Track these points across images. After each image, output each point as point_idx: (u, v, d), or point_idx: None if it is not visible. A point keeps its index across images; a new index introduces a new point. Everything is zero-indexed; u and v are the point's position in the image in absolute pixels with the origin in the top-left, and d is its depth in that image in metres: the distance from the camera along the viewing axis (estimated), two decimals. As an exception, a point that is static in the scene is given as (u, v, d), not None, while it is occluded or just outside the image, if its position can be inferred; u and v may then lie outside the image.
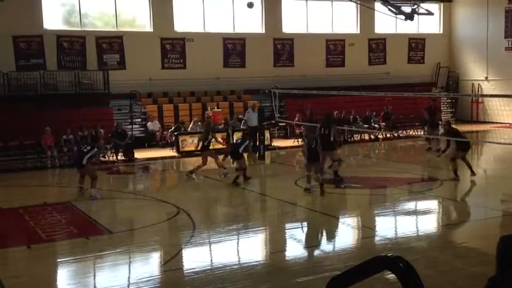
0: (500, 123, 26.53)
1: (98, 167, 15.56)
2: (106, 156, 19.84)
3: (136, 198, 13.82)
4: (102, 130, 19.92)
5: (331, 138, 14.01)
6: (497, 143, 19.81)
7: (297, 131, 23.42)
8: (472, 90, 29.37)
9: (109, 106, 22.53)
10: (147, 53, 24.18)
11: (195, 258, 9.01)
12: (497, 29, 28.06)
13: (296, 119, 22.71)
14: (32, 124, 19.23)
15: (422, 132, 23.26)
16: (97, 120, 20.30)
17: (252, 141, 16.85)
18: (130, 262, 9.02)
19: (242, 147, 14.81)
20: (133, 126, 22.32)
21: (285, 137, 24.11)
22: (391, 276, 3.41)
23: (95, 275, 8.48)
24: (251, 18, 26.46)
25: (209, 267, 8.49)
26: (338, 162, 14.32)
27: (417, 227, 11.05)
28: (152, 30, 24.54)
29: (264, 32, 26.69)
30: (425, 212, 12.32)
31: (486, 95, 28.03)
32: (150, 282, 7.75)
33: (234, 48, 26.09)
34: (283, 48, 27.16)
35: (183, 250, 9.33)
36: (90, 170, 13.67)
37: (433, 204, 12.88)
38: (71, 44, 23.04)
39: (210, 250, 9.68)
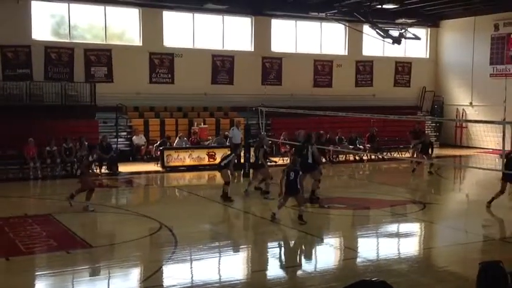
0: (484, 148, 26.81)
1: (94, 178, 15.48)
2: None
3: (118, 212, 13.70)
4: (86, 143, 19.82)
5: (310, 160, 13.97)
6: (480, 168, 19.99)
7: (283, 150, 23.47)
8: (457, 115, 29.69)
9: (95, 118, 22.43)
10: (135, 67, 24.17)
11: (176, 275, 8.94)
12: (483, 56, 28.48)
13: (282, 137, 22.75)
14: (17, 135, 19.05)
15: (410, 155, 23.44)
16: (82, 133, 20.19)
17: (235, 158, 16.73)
18: (109, 277, 8.92)
19: (226, 161, 14.81)
20: (119, 139, 22.21)
21: (271, 155, 24.09)
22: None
23: (73, 290, 8.36)
24: (241, 36, 26.62)
25: (189, 285, 8.42)
26: (317, 182, 14.28)
27: (399, 250, 11.08)
28: (141, 45, 24.57)
29: (253, 50, 26.84)
30: (407, 235, 12.36)
31: (470, 121, 28.37)
32: (129, 298, 7.67)
33: (222, 65, 26.18)
34: (272, 67, 27.31)
35: (164, 266, 9.25)
36: (85, 181, 13.45)
37: (415, 227, 12.93)
38: (59, 55, 22.97)
39: (191, 267, 9.60)
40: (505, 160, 13.59)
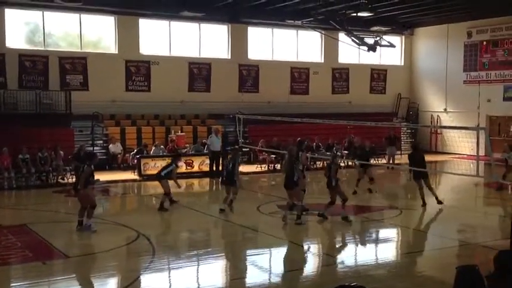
0: (458, 154, 27.21)
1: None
2: (65, 178, 19.48)
3: (95, 222, 13.52)
4: (62, 152, 19.61)
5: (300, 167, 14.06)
6: (455, 174, 20.26)
7: (260, 157, 23.50)
8: (431, 122, 30.09)
9: (70, 127, 22.19)
10: (111, 74, 24.00)
11: (154, 284, 8.87)
12: (457, 63, 28.95)
13: (260, 144, 22.79)
14: (-10, 143, 18.73)
15: (386, 161, 23.67)
16: (58, 141, 19.96)
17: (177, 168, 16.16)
18: (86, 288, 8.81)
19: (166, 171, 14.73)
20: (95, 148, 21.98)
21: (249, 162, 24.13)
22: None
23: (49, 301, 8.24)
24: (217, 43, 26.64)
25: (168, 294, 8.36)
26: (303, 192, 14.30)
27: (377, 256, 11.15)
28: (117, 52, 24.42)
29: (229, 57, 26.87)
30: (385, 241, 12.45)
31: (445, 127, 28.78)
32: (106, 308, 7.58)
33: (199, 72, 26.15)
34: (249, 74, 27.37)
35: (141, 276, 9.17)
36: (85, 196, 12.14)
37: (392, 233, 13.04)
38: (33, 64, 22.70)
39: (170, 276, 9.54)
40: None
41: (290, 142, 23.00)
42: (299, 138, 16.26)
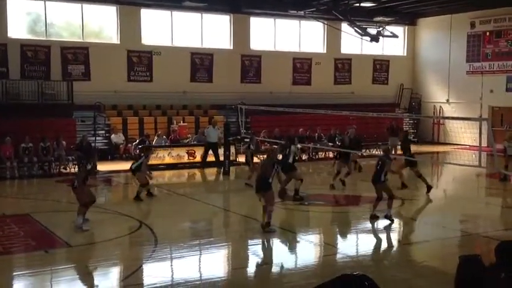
0: (460, 145, 27.17)
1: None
2: (67, 168, 19.52)
3: (97, 211, 13.56)
4: (64, 142, 19.63)
5: (290, 159, 14.06)
6: (457, 164, 20.25)
7: (263, 147, 23.48)
8: (434, 112, 30.03)
9: (72, 117, 22.20)
10: (113, 65, 23.96)
11: (156, 273, 8.90)
12: (460, 53, 28.84)
13: (262, 135, 22.77)
14: (-8, 133, 18.77)
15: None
16: (60, 131, 19.98)
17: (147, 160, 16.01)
18: (89, 277, 8.85)
19: (135, 165, 14.67)
20: (97, 138, 22.00)
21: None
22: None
23: (52, 290, 8.28)
24: (219, 34, 26.56)
25: (170, 283, 8.40)
26: (300, 181, 14.32)
27: (378, 245, 11.17)
28: (119, 43, 24.36)
29: (232, 48, 26.80)
30: (386, 231, 12.46)
31: (447, 117, 28.71)
32: (109, 297, 7.62)
33: (201, 63, 26.10)
34: (251, 64, 27.30)
35: (144, 265, 9.20)
36: (81, 193, 11.48)
37: (394, 223, 13.04)
38: (35, 54, 22.67)
39: (172, 265, 9.57)
40: None
41: (291, 132, 23.06)
42: (288, 136, 16.22)
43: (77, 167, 19.27)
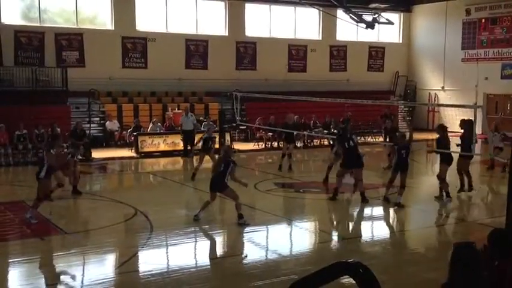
0: (455, 132, 27.17)
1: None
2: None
3: (92, 198, 13.58)
4: (59, 129, 19.55)
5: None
6: (451, 152, 20.26)
7: (258, 135, 23.49)
8: (429, 99, 30.07)
9: (67, 104, 22.11)
10: (108, 51, 23.84)
11: (152, 260, 8.92)
12: (455, 40, 28.83)
13: (257, 122, 22.78)
14: (-14, 120, 18.69)
15: (383, 139, 23.66)
16: (54, 118, 19.88)
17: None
18: (84, 264, 8.86)
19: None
20: (91, 125, 21.95)
21: (246, 140, 24.14)
22: (346, 280, 3.46)
23: (48, 277, 8.29)
24: (214, 20, 26.43)
25: (166, 270, 8.43)
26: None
27: (372, 232, 11.25)
28: (113, 29, 24.22)
29: (227, 34, 26.69)
30: (380, 218, 12.53)
31: (442, 105, 28.76)
32: (104, 284, 7.65)
33: (196, 49, 25.99)
34: (246, 51, 27.21)
35: (139, 252, 9.22)
36: (44, 185, 11.06)
37: (388, 210, 13.09)
38: (29, 40, 22.52)
39: (167, 252, 9.60)
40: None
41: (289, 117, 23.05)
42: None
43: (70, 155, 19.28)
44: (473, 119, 12.86)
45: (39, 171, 10.97)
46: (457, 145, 13.70)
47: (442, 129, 13.14)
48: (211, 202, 11.06)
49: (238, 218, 10.78)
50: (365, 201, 12.60)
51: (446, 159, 12.96)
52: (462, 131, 13.68)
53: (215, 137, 16.98)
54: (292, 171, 16.67)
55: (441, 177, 12.89)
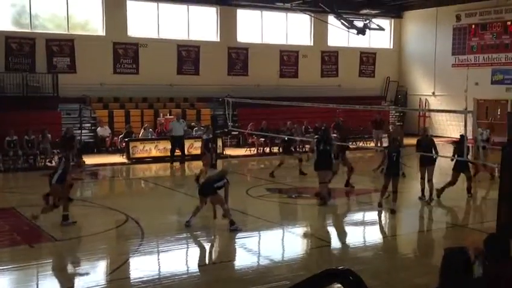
0: (446, 137, 27.34)
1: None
2: (53, 161, 19.37)
3: (83, 205, 13.50)
4: (49, 135, 19.49)
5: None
6: (442, 157, 20.34)
7: (250, 140, 23.49)
8: (420, 105, 30.18)
9: (57, 110, 22.03)
10: (99, 57, 23.78)
11: (143, 267, 8.88)
12: (445, 46, 28.99)
13: (249, 128, 22.79)
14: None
15: (374, 144, 23.76)
16: (45, 124, 19.82)
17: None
18: (75, 271, 8.81)
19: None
20: (83, 131, 21.88)
21: (238, 145, 24.14)
22: (338, 286, 3.46)
23: (37, 284, 8.24)
24: (206, 26, 26.44)
25: (157, 277, 8.39)
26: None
27: (364, 238, 11.25)
28: (105, 35, 24.17)
29: (218, 40, 26.71)
30: (372, 223, 12.55)
31: (433, 110, 28.88)
32: (95, 291, 7.60)
33: (188, 55, 25.99)
34: (238, 57, 27.24)
35: (130, 259, 9.18)
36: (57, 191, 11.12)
37: (380, 216, 13.11)
38: (20, 46, 22.42)
39: (159, 259, 9.56)
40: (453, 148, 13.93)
41: (279, 125, 23.08)
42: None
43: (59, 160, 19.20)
44: (463, 124, 12.91)
45: (53, 176, 11.17)
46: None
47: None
48: (201, 207, 11.02)
49: (230, 224, 10.76)
50: (321, 204, 12.86)
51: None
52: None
53: (215, 137, 16.90)
54: (305, 175, 16.59)
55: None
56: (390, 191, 12.53)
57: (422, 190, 13.66)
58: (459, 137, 13.90)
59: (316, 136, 14.09)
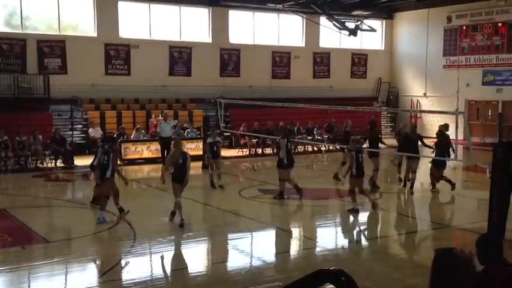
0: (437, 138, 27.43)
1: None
2: (44, 162, 19.29)
3: (75, 206, 13.46)
4: (40, 136, 19.41)
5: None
6: (434, 158, 20.42)
7: (242, 141, 23.49)
8: (411, 106, 30.31)
9: (49, 111, 21.94)
10: (90, 58, 23.70)
11: (135, 268, 8.86)
12: (436, 47, 29.13)
13: (241, 129, 22.79)
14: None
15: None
16: (36, 125, 19.74)
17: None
18: (66, 272, 8.78)
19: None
20: (74, 132, 21.80)
21: (230, 146, 24.12)
22: (330, 287, 3.47)
23: (29, 286, 8.20)
24: (198, 27, 26.43)
25: (149, 278, 8.37)
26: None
27: (356, 239, 11.27)
28: (96, 36, 24.10)
29: (211, 41, 26.69)
30: (364, 224, 12.57)
31: (424, 111, 28.99)
32: (87, 293, 7.57)
33: (180, 56, 25.96)
34: (230, 58, 27.23)
35: (122, 260, 9.16)
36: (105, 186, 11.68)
37: (372, 216, 13.15)
38: (11, 47, 22.32)
39: (151, 260, 9.54)
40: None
41: (270, 126, 23.09)
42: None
43: (54, 161, 19.13)
44: (454, 125, 12.99)
45: (105, 172, 11.41)
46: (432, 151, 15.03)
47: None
48: (178, 197, 11.25)
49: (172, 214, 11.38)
50: (277, 198, 13.34)
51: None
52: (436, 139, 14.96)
53: (220, 141, 16.59)
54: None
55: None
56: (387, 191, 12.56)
57: (405, 180, 14.92)
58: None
59: (280, 137, 14.28)
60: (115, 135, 19.30)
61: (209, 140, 15.60)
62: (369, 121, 24.15)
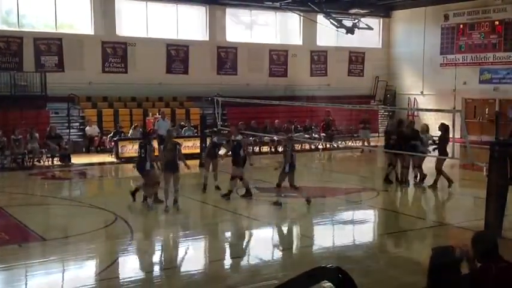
0: (434, 136, 27.46)
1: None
2: (41, 160, 19.26)
3: (72, 204, 13.45)
4: (37, 134, 19.37)
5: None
6: (430, 156, 20.47)
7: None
8: (408, 104, 30.33)
9: (45, 109, 21.89)
10: (87, 56, 23.66)
11: (132, 266, 8.86)
12: (434, 46, 29.14)
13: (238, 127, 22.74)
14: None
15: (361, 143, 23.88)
16: (33, 124, 19.69)
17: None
18: (64, 271, 8.77)
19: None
20: (71, 130, 21.76)
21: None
22: (328, 284, 3.47)
23: (26, 284, 8.19)
24: (195, 25, 26.40)
25: (146, 276, 8.36)
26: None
27: (353, 237, 11.29)
28: (93, 33, 24.05)
29: (208, 39, 26.66)
30: (361, 222, 12.59)
31: (421, 109, 29.02)
32: (84, 291, 7.57)
33: (177, 54, 25.92)
34: (227, 56, 27.21)
35: (119, 258, 9.15)
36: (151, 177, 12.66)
37: (369, 214, 13.19)
38: (8, 45, 22.25)
39: (148, 258, 9.53)
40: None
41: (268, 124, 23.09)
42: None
43: (51, 159, 19.12)
44: (451, 123, 13.03)
45: (143, 165, 12.42)
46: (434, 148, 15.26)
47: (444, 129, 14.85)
48: (167, 185, 12.04)
49: (175, 201, 12.11)
50: (247, 196, 13.41)
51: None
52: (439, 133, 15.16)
53: (224, 143, 16.23)
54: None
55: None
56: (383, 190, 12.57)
57: (401, 178, 15.17)
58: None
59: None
60: (149, 130, 19.42)
61: (214, 139, 15.52)
62: (360, 120, 24.29)
